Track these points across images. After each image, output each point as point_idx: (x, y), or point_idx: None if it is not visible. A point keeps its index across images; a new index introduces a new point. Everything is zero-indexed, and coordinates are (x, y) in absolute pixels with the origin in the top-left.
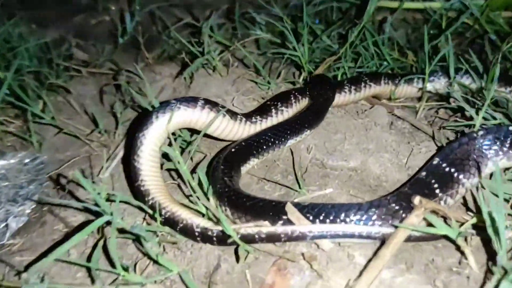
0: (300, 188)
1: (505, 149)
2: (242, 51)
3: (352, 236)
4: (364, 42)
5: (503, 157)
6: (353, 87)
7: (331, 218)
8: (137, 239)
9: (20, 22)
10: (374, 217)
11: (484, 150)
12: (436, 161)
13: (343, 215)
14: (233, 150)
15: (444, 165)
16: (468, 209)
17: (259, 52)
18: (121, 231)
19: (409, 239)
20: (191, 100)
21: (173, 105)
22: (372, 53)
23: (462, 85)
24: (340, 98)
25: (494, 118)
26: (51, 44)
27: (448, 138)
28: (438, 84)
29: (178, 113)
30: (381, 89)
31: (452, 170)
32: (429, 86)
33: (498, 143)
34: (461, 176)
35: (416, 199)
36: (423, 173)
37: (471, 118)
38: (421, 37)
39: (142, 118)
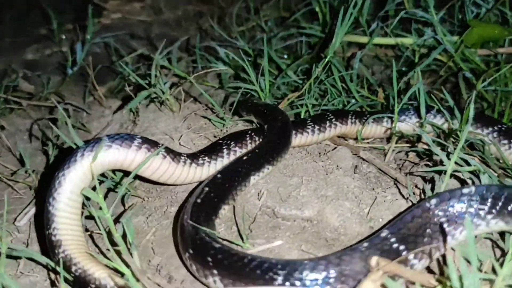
0: (243, 241)
1: (461, 220)
2: (197, 86)
3: None
4: (331, 77)
5: (462, 230)
6: (316, 127)
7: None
8: None
9: None
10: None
11: (440, 223)
12: (384, 233)
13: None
14: (198, 200)
15: (392, 239)
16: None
17: (218, 86)
18: None
19: None
20: (126, 138)
21: (103, 143)
22: (340, 90)
23: (435, 126)
24: (302, 139)
25: (468, 164)
26: None
27: (416, 186)
28: (408, 124)
29: (109, 153)
30: (348, 129)
31: (401, 247)
32: (398, 126)
33: (455, 212)
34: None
35: (373, 260)
36: (364, 245)
37: (442, 163)
38: (390, 73)
39: (66, 157)
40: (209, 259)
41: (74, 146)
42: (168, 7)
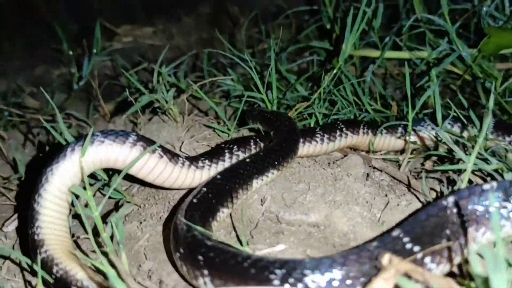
0: (242, 246)
1: (482, 219)
2: (200, 93)
3: None
4: (341, 86)
5: (485, 232)
6: (326, 136)
7: None
8: None
9: None
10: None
11: (459, 223)
12: (396, 232)
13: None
14: (194, 200)
15: (405, 239)
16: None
17: (225, 104)
18: None
19: None
20: (120, 134)
21: (95, 138)
22: (351, 102)
23: (451, 134)
24: (310, 148)
25: (488, 162)
26: (4, 93)
27: (433, 189)
28: (424, 134)
29: (101, 149)
30: (359, 140)
31: (416, 248)
32: (413, 137)
33: (476, 211)
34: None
35: (385, 258)
36: (374, 244)
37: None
38: (405, 90)
39: (54, 154)
40: (200, 257)
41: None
42: (180, 33)
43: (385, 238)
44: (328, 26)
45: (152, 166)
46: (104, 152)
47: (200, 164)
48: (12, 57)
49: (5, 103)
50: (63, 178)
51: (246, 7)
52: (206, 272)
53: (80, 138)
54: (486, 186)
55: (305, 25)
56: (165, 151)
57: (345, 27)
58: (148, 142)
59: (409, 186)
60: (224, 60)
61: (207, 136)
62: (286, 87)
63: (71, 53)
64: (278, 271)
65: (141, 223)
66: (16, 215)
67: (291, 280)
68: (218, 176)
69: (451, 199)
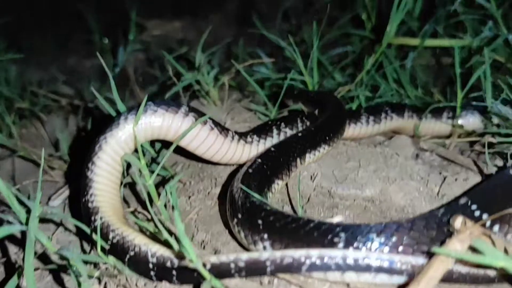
0: None
1: None
2: (243, 73)
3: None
4: (383, 70)
5: None
6: (371, 118)
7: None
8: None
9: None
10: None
11: None
12: (464, 200)
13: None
14: (250, 170)
15: (473, 207)
16: None
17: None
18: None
19: (449, 278)
20: (172, 105)
21: (148, 107)
22: (392, 89)
23: (503, 117)
24: (355, 129)
25: None
26: (39, 82)
27: (496, 166)
28: (472, 118)
29: (154, 118)
30: (404, 123)
31: (485, 216)
32: (461, 120)
33: None
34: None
35: (458, 221)
36: (442, 210)
37: None
38: (446, 80)
39: (109, 122)
40: (260, 222)
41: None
42: (207, 28)
43: (453, 206)
44: (364, 16)
45: (203, 138)
46: (157, 121)
47: (249, 139)
48: (44, 49)
49: (41, 88)
50: (116, 146)
51: (273, 4)
52: (265, 236)
53: (133, 108)
54: None
55: (337, 21)
56: (216, 123)
57: (382, 17)
58: (199, 113)
59: (462, 165)
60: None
61: (247, 119)
62: (322, 76)
63: (106, 41)
64: (342, 234)
65: (189, 197)
66: (61, 191)
67: (355, 243)
68: (272, 149)
69: None
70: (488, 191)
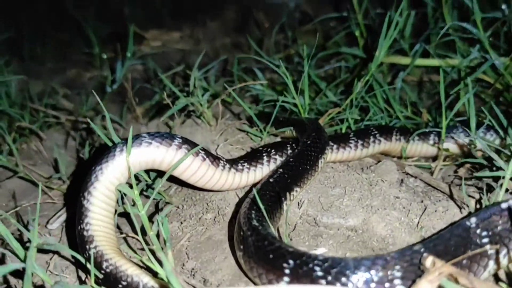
0: None
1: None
2: (235, 101)
3: None
4: (373, 92)
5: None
6: (360, 142)
7: None
8: None
9: (9, 72)
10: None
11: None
12: (470, 222)
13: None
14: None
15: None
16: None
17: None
18: None
19: None
20: (166, 137)
21: (142, 140)
22: (382, 109)
23: (486, 141)
24: (344, 154)
25: None
26: (38, 94)
27: (471, 196)
28: (457, 141)
29: (148, 150)
30: (392, 146)
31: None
32: (446, 143)
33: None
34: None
35: (428, 260)
36: (447, 234)
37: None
38: (436, 98)
39: (104, 152)
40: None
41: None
42: (206, 38)
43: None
44: (357, 33)
45: (195, 169)
46: (151, 154)
47: (240, 167)
48: (45, 59)
49: (40, 104)
50: (111, 177)
51: (271, 13)
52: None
53: (127, 139)
54: (504, 205)
55: (332, 31)
56: (208, 154)
57: (374, 34)
58: (192, 144)
59: (444, 192)
60: (252, 65)
61: (240, 140)
62: (315, 93)
63: (104, 56)
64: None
65: (181, 223)
66: (60, 213)
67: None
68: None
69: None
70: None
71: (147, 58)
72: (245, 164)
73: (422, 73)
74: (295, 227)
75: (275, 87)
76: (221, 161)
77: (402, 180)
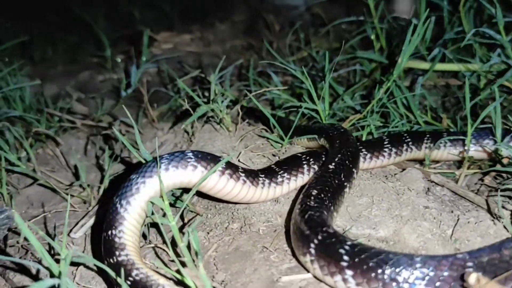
0: None
1: None
2: (255, 102)
3: None
4: (393, 99)
5: None
6: (393, 150)
7: None
8: None
9: (23, 76)
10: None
11: None
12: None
13: None
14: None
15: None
16: None
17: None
18: None
19: None
20: (211, 160)
21: (188, 162)
22: (402, 114)
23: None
24: (377, 162)
25: None
26: (52, 98)
27: (505, 208)
28: (482, 148)
29: (193, 174)
30: (422, 153)
31: None
32: (472, 150)
33: None
34: None
35: (472, 277)
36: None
37: None
38: (455, 103)
39: (147, 164)
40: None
41: (143, 160)
42: (216, 40)
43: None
44: (373, 37)
45: (237, 192)
46: (195, 176)
47: (279, 179)
48: (56, 61)
49: (55, 108)
50: (152, 191)
51: (280, 15)
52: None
53: (171, 154)
54: None
55: (344, 34)
56: (247, 174)
57: (391, 38)
58: (234, 168)
59: (472, 202)
60: (266, 67)
61: (260, 146)
62: (331, 97)
63: (119, 60)
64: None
65: (208, 233)
66: (82, 221)
67: None
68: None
69: None
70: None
71: (161, 61)
72: (285, 174)
73: (437, 77)
74: None
75: (290, 89)
76: (261, 178)
77: (428, 188)
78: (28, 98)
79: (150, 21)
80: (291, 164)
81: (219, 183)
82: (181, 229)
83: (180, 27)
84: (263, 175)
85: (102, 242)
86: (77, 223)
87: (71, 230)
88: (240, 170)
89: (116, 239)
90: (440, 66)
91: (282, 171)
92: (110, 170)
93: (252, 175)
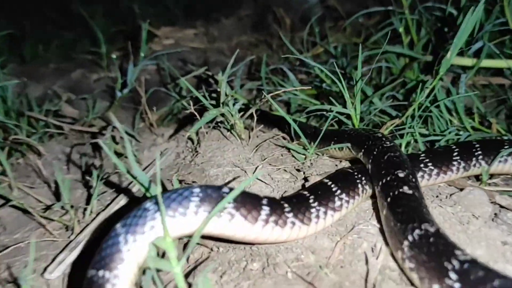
0: None
1: None
2: (273, 103)
3: None
4: (436, 102)
5: None
6: (462, 165)
7: None
8: None
9: (7, 74)
10: None
11: None
12: None
13: None
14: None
15: None
16: None
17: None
18: None
19: None
20: (251, 208)
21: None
22: (446, 120)
23: None
24: (444, 178)
25: None
26: (39, 99)
27: None
28: None
29: (229, 225)
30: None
31: None
32: None
33: None
34: None
35: None
36: None
37: None
38: (497, 105)
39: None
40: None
41: (136, 181)
42: (222, 36)
43: None
44: (401, 30)
45: (276, 237)
46: (231, 229)
47: (338, 204)
48: (48, 59)
49: (40, 110)
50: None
51: (291, 8)
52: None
53: (168, 198)
54: None
55: (362, 27)
56: (296, 212)
57: (420, 30)
58: (279, 212)
59: None
60: (277, 65)
61: (280, 158)
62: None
63: (114, 56)
64: None
65: (221, 276)
66: (61, 256)
67: None
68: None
69: None
70: None
71: (161, 58)
72: (343, 195)
73: (477, 75)
74: (375, 285)
75: (309, 92)
76: (313, 210)
77: (496, 214)
78: (10, 99)
79: (151, 16)
80: (345, 182)
81: (259, 233)
82: (185, 273)
83: (183, 21)
84: (315, 203)
85: (87, 284)
86: (54, 258)
87: (45, 269)
88: (286, 208)
89: (108, 285)
90: (486, 63)
91: (338, 191)
92: (100, 186)
93: (302, 209)
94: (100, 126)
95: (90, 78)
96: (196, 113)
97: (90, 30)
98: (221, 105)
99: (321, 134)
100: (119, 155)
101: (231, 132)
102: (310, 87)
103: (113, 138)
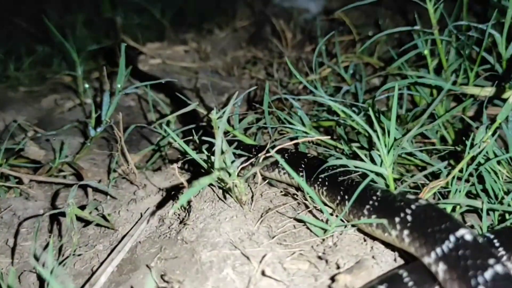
0: None
1: None
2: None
3: None
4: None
5: None
6: None
7: None
8: None
9: None
10: None
11: None
12: None
13: None
14: None
15: None
16: None
17: None
18: None
19: None
20: None
21: None
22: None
23: None
24: None
25: None
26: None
27: None
28: None
29: None
30: None
31: None
32: None
33: None
34: None
35: None
36: None
37: None
38: None
39: None
40: None
41: None
42: (215, 52)
43: None
44: (426, 52)
45: None
46: None
47: None
48: (18, 80)
49: None
50: None
51: (291, 19)
52: None
53: None
54: None
55: (373, 45)
56: None
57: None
58: None
59: None
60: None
61: (293, 232)
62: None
63: (87, 85)
64: None
65: None
66: None
67: None
68: None
69: None
70: None
71: (144, 83)
72: None
73: None
74: None
75: (320, 125)
76: None
77: None
78: None
79: (136, 28)
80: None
81: None
82: None
83: (172, 35)
84: None
85: None
86: None
87: None
88: None
89: None
90: None
91: None
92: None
93: None
94: (73, 173)
95: (63, 106)
96: (184, 181)
97: (68, 42)
98: (215, 166)
99: (351, 201)
100: (86, 222)
101: (229, 194)
102: (329, 137)
103: (84, 190)
